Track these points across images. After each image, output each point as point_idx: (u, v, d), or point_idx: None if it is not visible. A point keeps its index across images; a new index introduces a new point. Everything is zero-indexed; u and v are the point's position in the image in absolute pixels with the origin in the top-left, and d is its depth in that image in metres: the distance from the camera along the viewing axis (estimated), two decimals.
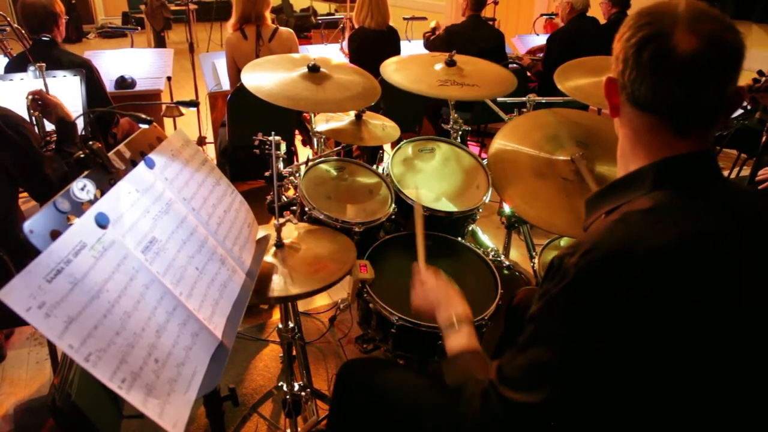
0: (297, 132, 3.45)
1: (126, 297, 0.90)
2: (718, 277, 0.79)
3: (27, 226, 0.85)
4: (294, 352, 1.78)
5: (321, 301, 2.57)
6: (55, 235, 0.86)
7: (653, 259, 0.77)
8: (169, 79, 3.60)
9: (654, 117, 0.86)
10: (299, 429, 1.71)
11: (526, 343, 0.87)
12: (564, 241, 2.04)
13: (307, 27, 8.44)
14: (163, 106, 3.35)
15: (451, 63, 1.97)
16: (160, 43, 7.55)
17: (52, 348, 1.96)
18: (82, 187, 0.98)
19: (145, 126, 1.20)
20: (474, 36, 3.73)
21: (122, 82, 3.44)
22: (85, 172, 1.03)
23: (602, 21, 4.15)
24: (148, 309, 0.94)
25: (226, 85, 3.52)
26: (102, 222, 0.93)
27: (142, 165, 1.11)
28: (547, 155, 1.90)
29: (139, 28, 7.52)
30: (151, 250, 1.01)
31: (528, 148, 1.94)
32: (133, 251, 0.96)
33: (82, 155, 1.04)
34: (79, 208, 0.95)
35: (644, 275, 0.76)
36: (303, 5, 9.36)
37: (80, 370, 1.76)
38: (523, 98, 2.23)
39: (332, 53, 3.99)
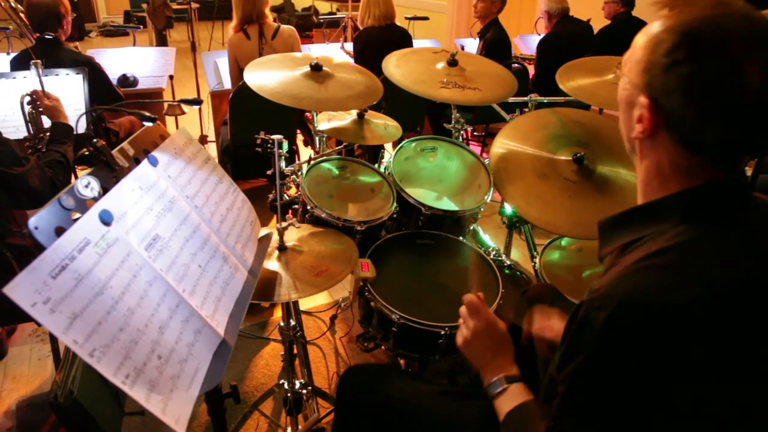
0: (299, 132, 3.46)
1: (129, 293, 0.91)
2: (754, 330, 0.73)
3: (32, 222, 0.85)
4: (295, 351, 1.79)
5: (322, 299, 2.57)
6: (59, 231, 0.87)
7: (685, 313, 0.71)
8: (171, 77, 3.60)
9: (699, 157, 0.78)
10: (300, 427, 1.72)
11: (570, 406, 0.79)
12: (565, 241, 2.05)
13: (308, 26, 8.44)
14: (166, 105, 3.36)
15: (453, 63, 1.98)
16: (161, 41, 7.55)
17: (54, 344, 1.97)
18: (86, 185, 0.99)
19: (149, 124, 1.20)
20: (508, 42, 3.81)
21: (124, 81, 3.45)
22: (88, 170, 1.04)
23: (596, 21, 4.18)
24: (152, 306, 0.95)
25: (228, 84, 3.52)
26: (106, 219, 0.93)
27: (145, 163, 1.11)
28: (549, 155, 1.91)
29: (141, 26, 7.52)
30: (154, 247, 1.01)
31: (530, 148, 1.94)
32: (136, 248, 0.97)
33: (86, 152, 1.04)
34: (83, 205, 0.96)
35: (675, 330, 0.70)
36: (304, 4, 9.35)
37: (82, 367, 1.77)
38: (525, 98, 2.23)
39: (334, 52, 3.99)
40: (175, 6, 7.67)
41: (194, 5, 5.73)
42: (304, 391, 1.64)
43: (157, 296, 0.97)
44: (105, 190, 1.00)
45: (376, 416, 1.20)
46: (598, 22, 4.25)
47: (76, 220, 0.89)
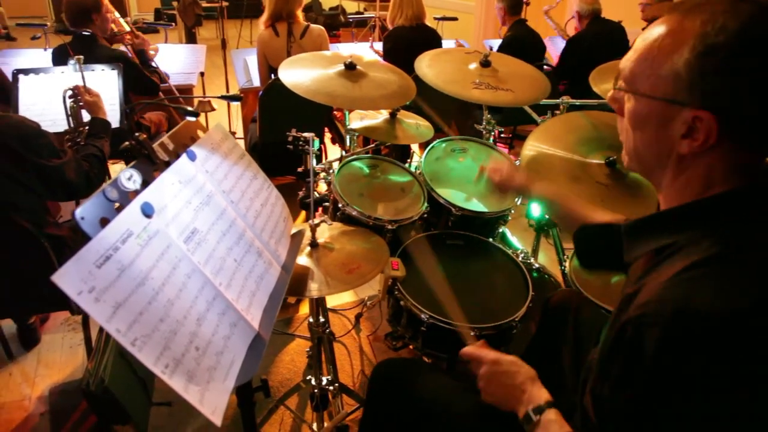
0: (326, 130, 3.47)
1: (169, 285, 0.93)
2: None
3: (78, 213, 0.87)
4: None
5: (347, 297, 2.58)
6: (104, 222, 0.89)
7: (745, 320, 0.67)
8: (202, 74, 3.65)
9: (757, 154, 0.77)
10: (325, 423, 1.72)
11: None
12: None
13: (335, 25, 8.47)
14: (196, 101, 3.40)
15: (486, 63, 1.97)
16: (191, 39, 7.66)
17: (86, 333, 2.01)
18: (128, 177, 1.00)
19: (192, 119, 1.22)
20: (532, 42, 3.78)
21: None
22: (121, 164, 1.06)
23: (627, 22, 4.13)
24: (190, 298, 0.96)
25: (257, 81, 3.56)
26: (147, 211, 0.95)
27: (184, 157, 1.13)
28: (580, 158, 1.89)
29: (173, 24, 7.63)
30: (192, 240, 1.03)
31: (561, 151, 1.92)
32: (176, 241, 0.98)
33: (128, 146, 1.06)
34: (126, 197, 0.97)
35: (736, 338, 0.67)
36: (332, 4, 9.39)
37: (113, 357, 1.81)
38: (557, 100, 2.21)
39: (363, 51, 4.01)
40: (204, 4, 7.76)
41: (224, 3, 5.79)
42: (331, 388, 1.65)
43: (195, 289, 0.98)
44: (146, 183, 1.02)
45: (406, 410, 1.20)
46: (632, 23, 4.19)
47: (120, 211, 0.91)
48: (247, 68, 3.74)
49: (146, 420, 1.92)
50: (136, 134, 1.07)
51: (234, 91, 3.95)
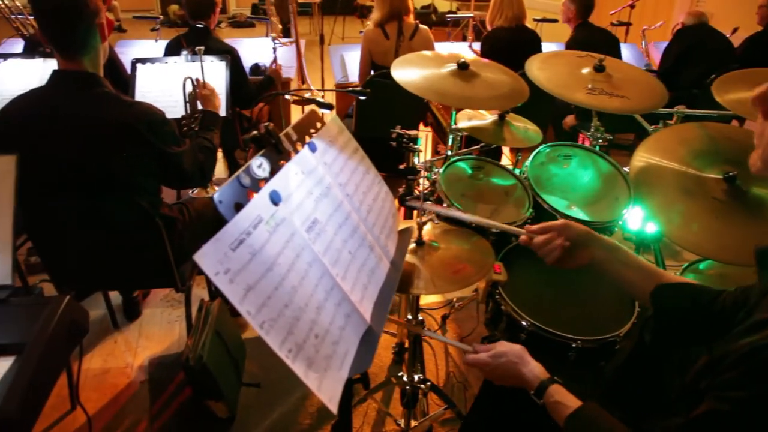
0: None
1: (293, 272, 0.95)
2: None
3: (217, 197, 0.91)
4: (406, 345, 1.79)
5: (434, 297, 2.57)
6: (238, 207, 0.92)
7: None
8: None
9: None
10: (411, 421, 1.72)
11: None
12: (703, 265, 1.91)
13: (427, 24, 8.47)
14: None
15: (600, 68, 1.90)
16: (285, 34, 7.88)
17: (188, 311, 2.11)
18: (259, 165, 1.04)
19: (327, 111, 1.25)
20: (599, 46, 3.64)
21: (256, 70, 3.63)
22: (261, 151, 1.09)
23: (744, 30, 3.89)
24: (311, 286, 0.99)
25: (352, 77, 3.61)
26: (275, 199, 0.98)
27: (306, 148, 1.16)
28: (695, 172, 1.78)
29: (272, 19, 7.91)
30: (313, 230, 1.05)
31: (674, 164, 1.83)
32: (299, 229, 1.01)
33: (257, 135, 1.10)
34: (257, 184, 1.01)
35: None
36: (424, 2, 9.39)
37: (211, 336, 1.89)
38: (671, 110, 2.10)
39: (461, 51, 3.97)
40: (300, 0, 7.95)
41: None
42: (422, 386, 1.65)
43: (315, 278, 1.00)
44: (273, 171, 1.06)
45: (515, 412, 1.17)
46: (748, 29, 3.95)
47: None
48: (344, 64, 3.80)
49: (236, 398, 2.00)
50: (264, 124, 1.11)
51: (329, 85, 4.03)
